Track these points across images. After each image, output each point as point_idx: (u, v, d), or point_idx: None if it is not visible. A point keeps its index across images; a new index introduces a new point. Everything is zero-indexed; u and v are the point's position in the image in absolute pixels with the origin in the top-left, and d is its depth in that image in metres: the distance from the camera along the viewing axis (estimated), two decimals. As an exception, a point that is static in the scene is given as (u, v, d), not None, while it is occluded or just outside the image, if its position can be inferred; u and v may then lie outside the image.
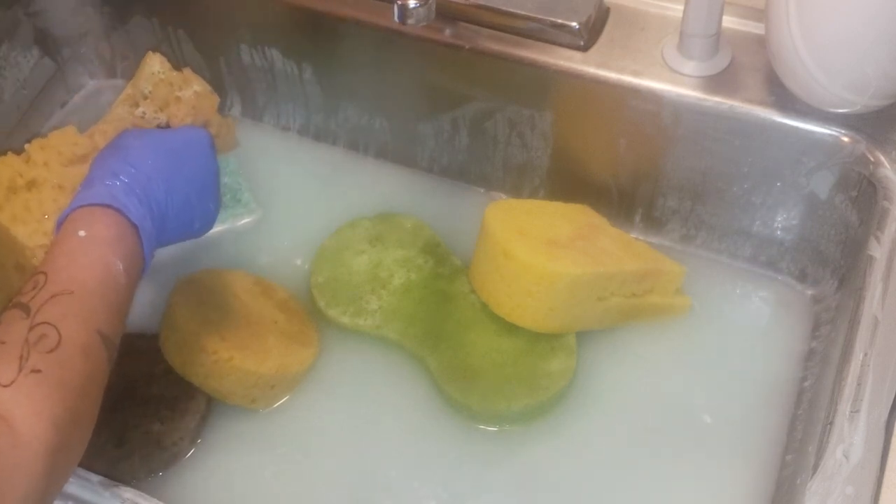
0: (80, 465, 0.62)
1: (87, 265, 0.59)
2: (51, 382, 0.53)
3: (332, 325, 0.82)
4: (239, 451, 0.77)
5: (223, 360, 0.74)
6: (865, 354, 0.63)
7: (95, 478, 0.62)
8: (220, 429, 0.78)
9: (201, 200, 0.71)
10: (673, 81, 0.78)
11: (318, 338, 0.82)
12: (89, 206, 0.63)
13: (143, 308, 0.84)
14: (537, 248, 0.76)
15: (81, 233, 0.61)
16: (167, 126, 0.75)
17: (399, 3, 0.74)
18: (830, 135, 0.75)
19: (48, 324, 0.55)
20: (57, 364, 0.54)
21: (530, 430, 0.77)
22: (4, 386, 0.52)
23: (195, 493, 0.75)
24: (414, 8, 0.74)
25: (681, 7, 0.76)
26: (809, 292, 0.84)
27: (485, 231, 0.78)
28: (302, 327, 0.82)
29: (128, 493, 0.61)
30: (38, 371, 0.53)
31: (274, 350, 0.78)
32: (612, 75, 0.79)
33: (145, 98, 0.76)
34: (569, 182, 0.87)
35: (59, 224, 0.63)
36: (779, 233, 0.83)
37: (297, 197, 0.93)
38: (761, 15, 0.73)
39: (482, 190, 0.92)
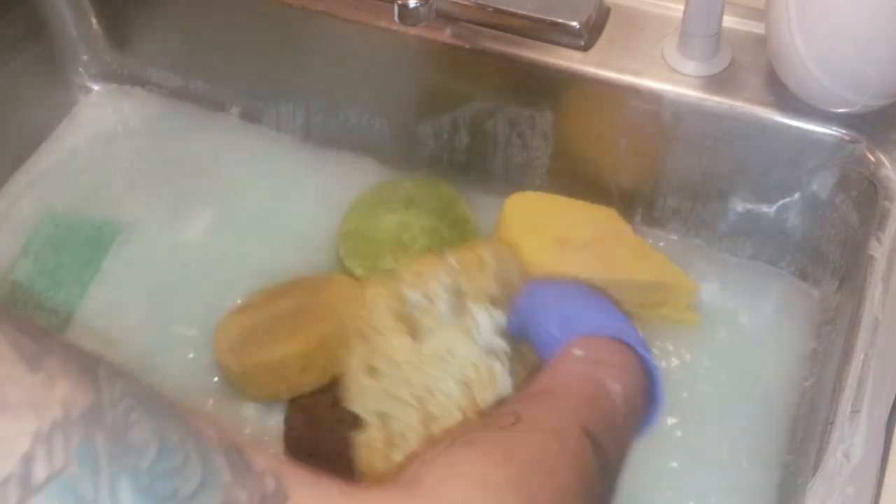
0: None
1: (573, 375, 0.55)
2: (482, 450, 0.46)
3: (346, 274, 0.83)
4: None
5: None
6: (866, 354, 0.63)
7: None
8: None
9: None
10: (673, 81, 0.78)
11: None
12: (595, 336, 0.58)
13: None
14: (546, 244, 0.76)
15: (578, 352, 0.56)
16: None
17: (399, 3, 0.74)
18: (830, 135, 0.75)
19: (510, 413, 0.50)
20: (499, 438, 0.48)
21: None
22: (425, 462, 0.45)
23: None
24: (414, 8, 0.74)
25: (681, 7, 0.76)
26: (809, 292, 0.83)
27: (502, 220, 0.79)
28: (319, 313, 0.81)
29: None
30: (471, 442, 0.47)
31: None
32: (612, 75, 0.79)
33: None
34: (569, 182, 0.87)
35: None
36: (779, 233, 0.83)
37: (298, 197, 0.93)
38: (761, 15, 0.73)
39: (482, 190, 0.92)
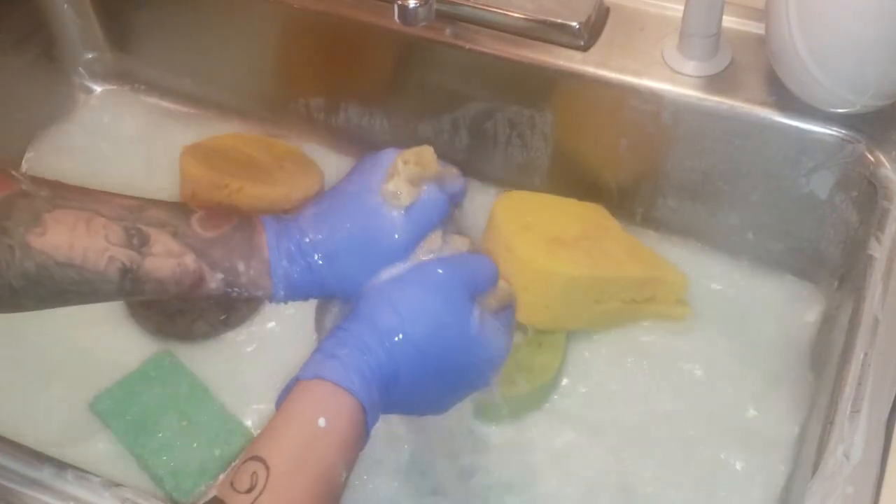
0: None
1: (314, 476, 0.52)
2: None
3: None
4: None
5: (235, 191, 0.80)
6: (866, 354, 0.63)
7: (95, 478, 0.61)
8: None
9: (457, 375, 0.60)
10: (673, 81, 0.78)
11: (321, 171, 0.90)
12: (333, 386, 0.53)
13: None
14: (539, 244, 0.76)
15: (321, 422, 0.52)
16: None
17: (399, 3, 0.74)
18: (830, 135, 0.75)
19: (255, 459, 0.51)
20: None
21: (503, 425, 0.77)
22: None
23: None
24: (414, 8, 0.74)
25: (681, 7, 0.76)
26: (809, 292, 0.84)
27: (492, 221, 0.78)
28: (304, 164, 0.90)
29: (128, 492, 0.61)
30: None
31: (281, 179, 0.84)
32: (612, 75, 0.79)
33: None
34: (569, 182, 0.87)
35: (290, 387, 0.54)
36: (778, 232, 0.83)
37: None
38: (761, 15, 0.73)
39: (481, 190, 0.92)
